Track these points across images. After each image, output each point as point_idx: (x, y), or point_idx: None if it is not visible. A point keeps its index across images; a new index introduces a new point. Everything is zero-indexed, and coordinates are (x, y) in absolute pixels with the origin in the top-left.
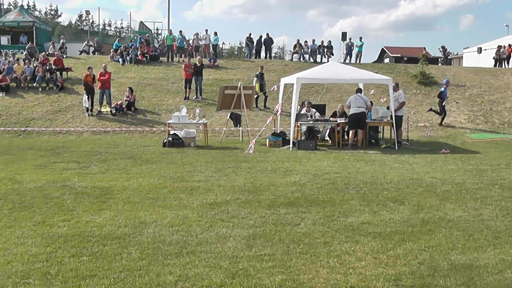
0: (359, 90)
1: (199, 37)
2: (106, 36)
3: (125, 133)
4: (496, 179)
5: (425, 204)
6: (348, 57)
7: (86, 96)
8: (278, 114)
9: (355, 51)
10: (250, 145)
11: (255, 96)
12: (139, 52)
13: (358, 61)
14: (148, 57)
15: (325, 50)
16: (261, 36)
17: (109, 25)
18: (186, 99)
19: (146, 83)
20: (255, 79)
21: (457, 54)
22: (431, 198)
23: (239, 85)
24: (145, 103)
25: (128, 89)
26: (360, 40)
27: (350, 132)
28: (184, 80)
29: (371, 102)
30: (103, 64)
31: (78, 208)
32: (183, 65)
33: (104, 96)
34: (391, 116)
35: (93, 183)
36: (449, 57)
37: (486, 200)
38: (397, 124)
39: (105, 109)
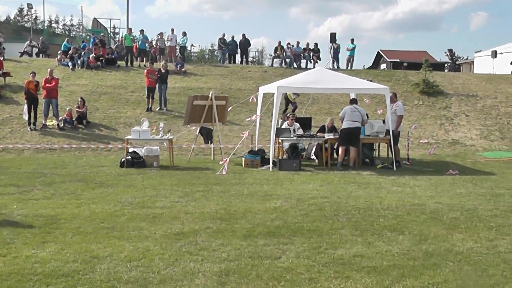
0: (354, 101)
1: (163, 37)
2: (52, 35)
3: (75, 151)
4: None
5: (429, 233)
6: (336, 63)
7: (28, 107)
8: (253, 118)
9: (346, 55)
10: (223, 164)
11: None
12: (92, 55)
13: (349, 67)
14: (103, 61)
15: (311, 54)
16: (233, 37)
17: (57, 21)
18: (148, 110)
19: (100, 92)
20: None
21: (467, 58)
22: (436, 227)
23: (210, 95)
24: (100, 115)
25: (79, 99)
26: (352, 43)
27: (340, 149)
28: (146, 89)
29: (367, 115)
30: (49, 69)
31: (16, 240)
32: (145, 71)
33: (50, 107)
34: (388, 131)
35: (36, 210)
36: (457, 62)
37: (502, 230)
38: (395, 141)
39: (51, 122)
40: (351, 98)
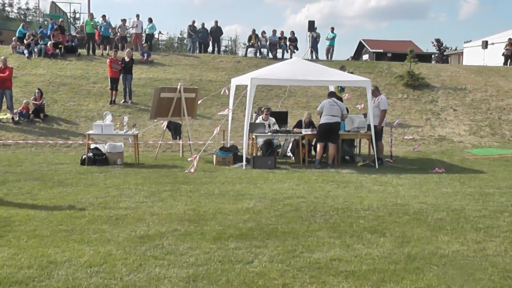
0: (333, 94)
1: (126, 25)
2: (6, 20)
3: (32, 147)
4: (506, 205)
5: (411, 235)
6: (314, 53)
7: None
8: (225, 112)
9: (325, 45)
10: (191, 162)
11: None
12: (50, 42)
13: (329, 58)
14: (62, 49)
15: (288, 44)
16: (203, 24)
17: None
18: (111, 103)
19: (59, 83)
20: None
21: (456, 49)
22: (420, 229)
23: (179, 87)
24: (59, 108)
25: (36, 90)
26: (332, 32)
27: (318, 145)
28: (109, 80)
29: (347, 110)
30: (2, 57)
31: None
32: (107, 60)
33: (4, 99)
34: (370, 126)
35: None
36: (445, 53)
37: (491, 231)
38: (377, 137)
39: (5, 115)
40: (329, 91)
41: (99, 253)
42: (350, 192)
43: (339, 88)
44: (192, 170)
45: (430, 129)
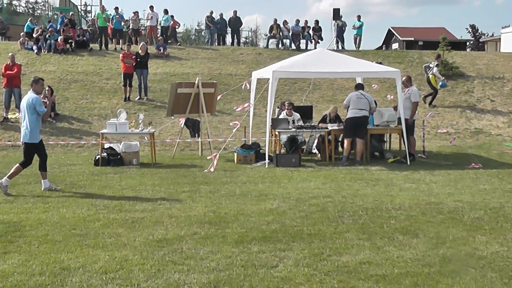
0: (360, 86)
1: (139, 17)
2: (13, 14)
3: None
4: None
5: (447, 236)
6: (340, 43)
7: None
8: (246, 107)
9: (352, 34)
10: (211, 161)
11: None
12: (60, 37)
13: (357, 48)
14: (73, 44)
15: (312, 33)
16: (222, 15)
17: None
18: (126, 100)
19: (71, 79)
20: (434, 69)
21: (492, 35)
22: (456, 229)
23: (197, 82)
24: (70, 106)
25: (46, 87)
26: (359, 20)
27: (345, 141)
28: (122, 75)
29: (375, 102)
30: (10, 54)
31: None
32: (120, 55)
33: (12, 98)
34: (400, 120)
35: None
36: (481, 40)
37: None
38: (409, 131)
39: (14, 115)
40: (357, 83)
41: (114, 259)
42: (380, 190)
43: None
44: (212, 170)
45: (466, 122)
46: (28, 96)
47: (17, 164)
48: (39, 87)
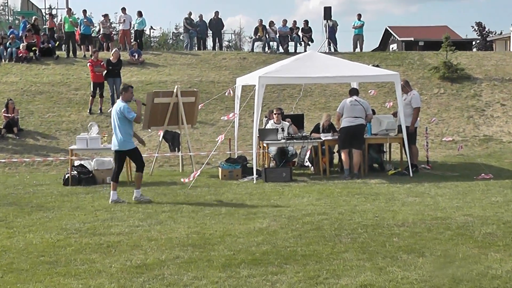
0: (355, 92)
1: (112, 20)
2: None
3: (5, 167)
4: None
5: (456, 254)
6: (332, 44)
7: None
8: (230, 117)
9: (350, 35)
10: (191, 176)
11: None
12: (23, 44)
13: (359, 49)
14: (37, 52)
15: (301, 35)
16: (201, 16)
17: None
18: (100, 113)
19: (35, 91)
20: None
21: (501, 33)
22: (466, 246)
23: (175, 90)
24: (35, 120)
25: (7, 100)
26: (359, 19)
27: (343, 153)
28: (92, 85)
29: (373, 110)
30: None
31: None
32: (88, 64)
33: None
34: (401, 128)
35: None
36: (488, 39)
37: None
38: (411, 140)
39: None
40: (351, 88)
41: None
42: (380, 205)
43: None
44: (187, 180)
45: (474, 129)
46: (117, 105)
47: (136, 173)
48: (128, 95)
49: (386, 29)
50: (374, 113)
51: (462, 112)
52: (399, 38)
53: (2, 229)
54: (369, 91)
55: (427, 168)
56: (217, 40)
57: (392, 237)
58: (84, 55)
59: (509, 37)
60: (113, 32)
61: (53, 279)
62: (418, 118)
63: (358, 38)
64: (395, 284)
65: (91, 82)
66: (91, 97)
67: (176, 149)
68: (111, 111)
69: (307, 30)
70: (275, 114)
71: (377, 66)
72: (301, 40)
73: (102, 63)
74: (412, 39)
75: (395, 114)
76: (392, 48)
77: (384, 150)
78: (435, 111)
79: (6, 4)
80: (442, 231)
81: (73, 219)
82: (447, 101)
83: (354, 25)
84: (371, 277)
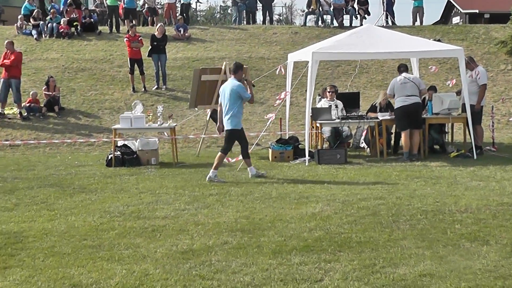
0: (403, 68)
1: None
2: None
3: (45, 147)
4: None
5: None
6: (390, 17)
7: None
8: (282, 96)
9: (409, 7)
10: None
11: None
12: (64, 19)
13: (419, 23)
14: (79, 27)
15: (357, 8)
16: None
17: None
18: (144, 90)
19: (77, 68)
20: None
21: None
22: None
23: (223, 67)
24: (77, 99)
25: (49, 78)
26: None
27: (403, 135)
28: (129, 61)
29: (434, 87)
30: (7, 40)
31: None
32: (125, 39)
33: (10, 90)
34: (465, 107)
35: None
36: None
37: None
38: (476, 120)
39: (11, 110)
40: (399, 64)
41: (133, 273)
42: (441, 190)
43: None
44: (233, 160)
45: None
46: (231, 84)
47: (219, 153)
48: (241, 74)
49: (448, 1)
50: (435, 90)
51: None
52: (462, 10)
53: (43, 211)
54: (430, 67)
55: (492, 150)
56: (267, 14)
57: (454, 224)
58: (128, 31)
59: None
60: (158, 6)
61: (96, 264)
62: (484, 96)
63: (418, 11)
64: (457, 274)
65: (128, 58)
66: (129, 75)
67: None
68: (155, 88)
69: (363, 3)
70: (329, 92)
71: (439, 40)
72: (357, 13)
73: (140, 38)
74: (477, 11)
75: (458, 93)
76: (455, 21)
77: (446, 130)
78: (502, 89)
79: None
80: (508, 218)
81: (117, 202)
82: None
83: None
84: (430, 266)
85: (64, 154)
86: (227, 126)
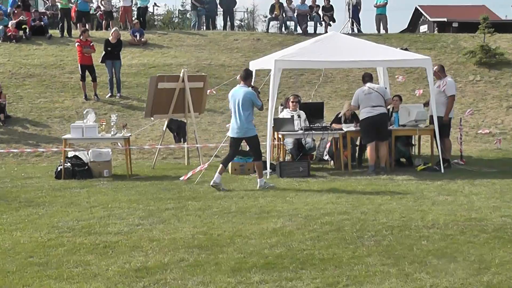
0: (367, 78)
1: None
2: None
3: None
4: None
5: (492, 259)
6: (356, 24)
7: None
8: None
9: (372, 14)
10: (196, 170)
11: None
12: (12, 22)
13: (381, 31)
14: (27, 31)
15: (321, 14)
16: None
17: None
18: (97, 98)
19: (25, 74)
20: None
21: None
22: (503, 250)
23: (181, 74)
24: (25, 107)
25: None
26: None
27: (368, 147)
28: (80, 67)
29: (399, 96)
30: None
31: None
32: (76, 44)
33: None
34: (433, 119)
35: None
36: None
37: None
38: (443, 132)
39: None
40: (364, 73)
41: None
42: (408, 205)
43: None
44: (186, 178)
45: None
46: (242, 90)
47: (255, 162)
48: (251, 81)
49: (416, 8)
50: (401, 100)
51: (501, 102)
52: (430, 19)
53: None
54: (397, 77)
55: (460, 163)
56: (228, 19)
57: (421, 240)
58: (80, 35)
59: None
60: (113, 9)
61: (43, 283)
62: (453, 108)
63: (381, 19)
64: None
65: (79, 64)
66: (81, 82)
67: (182, 140)
68: (109, 96)
69: (329, 9)
70: (292, 102)
71: (406, 49)
72: (321, 19)
73: (92, 44)
74: (446, 19)
75: (426, 104)
76: (423, 29)
77: (413, 143)
78: (471, 100)
79: None
80: (476, 234)
81: (66, 216)
82: (484, 90)
83: (376, 3)
84: (396, 285)
85: (10, 165)
86: (234, 133)
